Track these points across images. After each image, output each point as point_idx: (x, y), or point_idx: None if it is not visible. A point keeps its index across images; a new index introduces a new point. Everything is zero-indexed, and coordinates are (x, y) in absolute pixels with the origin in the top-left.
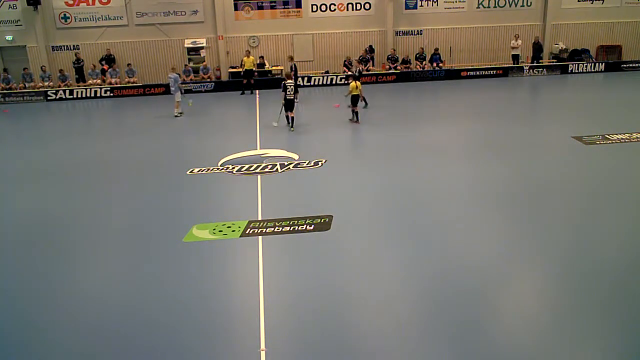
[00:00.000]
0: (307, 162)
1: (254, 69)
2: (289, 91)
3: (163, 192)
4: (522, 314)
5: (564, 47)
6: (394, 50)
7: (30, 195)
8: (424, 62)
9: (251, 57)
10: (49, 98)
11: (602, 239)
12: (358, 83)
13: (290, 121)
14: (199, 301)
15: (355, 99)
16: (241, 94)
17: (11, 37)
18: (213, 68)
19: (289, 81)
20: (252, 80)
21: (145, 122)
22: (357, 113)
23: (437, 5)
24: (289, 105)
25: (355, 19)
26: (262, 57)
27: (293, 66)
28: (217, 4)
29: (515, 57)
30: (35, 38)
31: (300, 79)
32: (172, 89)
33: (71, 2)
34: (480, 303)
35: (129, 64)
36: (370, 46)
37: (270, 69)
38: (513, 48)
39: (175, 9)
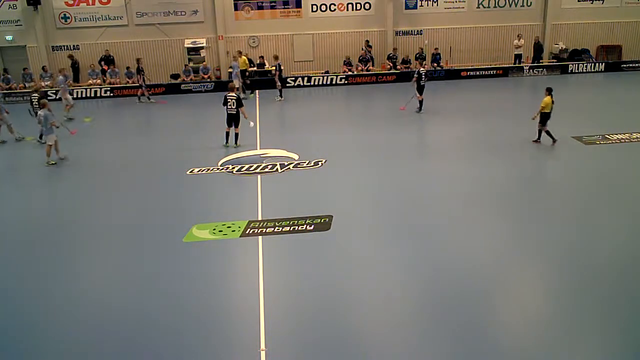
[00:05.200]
0: (307, 162)
1: (247, 68)
2: (230, 105)
3: (163, 192)
4: (522, 314)
5: (564, 47)
6: (395, 49)
7: (28, 195)
8: (424, 62)
9: (243, 57)
10: (49, 98)
11: (602, 239)
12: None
13: (234, 138)
14: (199, 301)
15: (546, 117)
16: None
17: (11, 37)
18: (213, 68)
19: (230, 94)
20: (247, 80)
21: (139, 123)
22: (548, 132)
23: (437, 5)
24: (230, 120)
25: (355, 19)
26: (262, 57)
27: (278, 65)
28: (217, 4)
29: (519, 57)
30: (35, 38)
31: (301, 79)
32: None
33: (71, 2)
34: (481, 303)
35: (127, 67)
36: (367, 41)
37: (270, 68)
38: (516, 48)
39: (175, 9)
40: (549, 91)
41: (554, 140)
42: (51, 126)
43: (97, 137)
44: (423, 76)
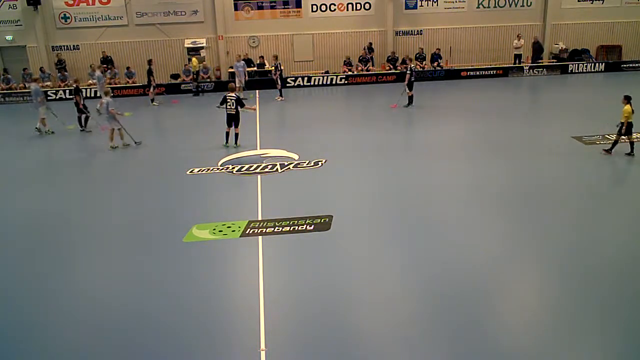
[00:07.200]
0: (307, 162)
1: (199, 70)
2: (229, 105)
3: (163, 192)
4: (522, 314)
5: (564, 47)
6: (394, 52)
7: (28, 194)
8: (424, 62)
9: (194, 59)
10: (49, 98)
11: (602, 239)
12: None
13: (234, 138)
14: (199, 301)
15: (629, 127)
16: (194, 95)
17: (11, 37)
18: (213, 68)
19: (230, 94)
20: (196, 83)
21: (138, 123)
22: (632, 143)
23: (437, 5)
24: (230, 120)
25: (355, 19)
26: (262, 57)
27: (278, 65)
28: (217, 4)
29: (518, 57)
30: (35, 38)
31: (301, 79)
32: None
33: (71, 2)
34: (481, 303)
35: (128, 67)
36: (370, 44)
37: (270, 69)
38: (516, 48)
39: (175, 9)
40: (628, 99)
41: (632, 153)
42: (112, 114)
43: (97, 137)
44: (413, 73)
